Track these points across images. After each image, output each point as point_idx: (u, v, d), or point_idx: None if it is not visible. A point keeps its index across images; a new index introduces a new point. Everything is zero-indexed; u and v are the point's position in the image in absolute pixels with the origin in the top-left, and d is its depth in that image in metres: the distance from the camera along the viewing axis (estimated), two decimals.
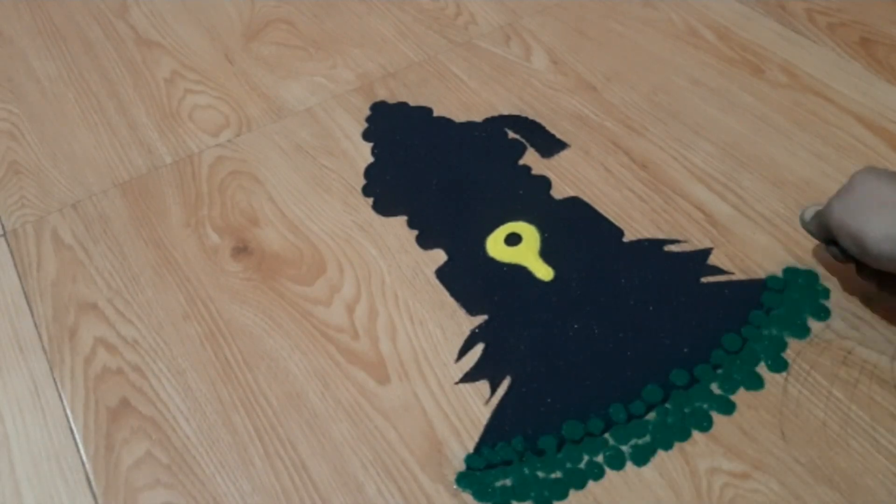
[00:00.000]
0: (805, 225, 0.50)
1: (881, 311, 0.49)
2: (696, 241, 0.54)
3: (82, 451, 0.46)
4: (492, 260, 0.54)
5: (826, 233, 0.47)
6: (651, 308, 0.50)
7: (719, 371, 0.47)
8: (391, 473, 0.44)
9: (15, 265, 0.56)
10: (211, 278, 0.54)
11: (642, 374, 0.47)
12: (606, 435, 0.45)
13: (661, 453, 0.44)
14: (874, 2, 0.73)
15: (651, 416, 0.45)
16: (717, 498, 0.42)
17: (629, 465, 0.43)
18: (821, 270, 0.51)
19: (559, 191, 0.58)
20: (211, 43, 0.74)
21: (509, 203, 0.58)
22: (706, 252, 0.53)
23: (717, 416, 0.45)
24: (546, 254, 0.54)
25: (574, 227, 0.56)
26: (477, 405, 0.46)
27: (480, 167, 0.61)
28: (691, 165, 0.59)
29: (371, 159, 0.62)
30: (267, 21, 0.77)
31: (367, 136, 0.64)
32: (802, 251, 0.53)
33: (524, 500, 0.42)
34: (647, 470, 0.43)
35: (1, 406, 0.48)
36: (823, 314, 0.49)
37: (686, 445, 0.44)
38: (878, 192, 0.43)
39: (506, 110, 0.65)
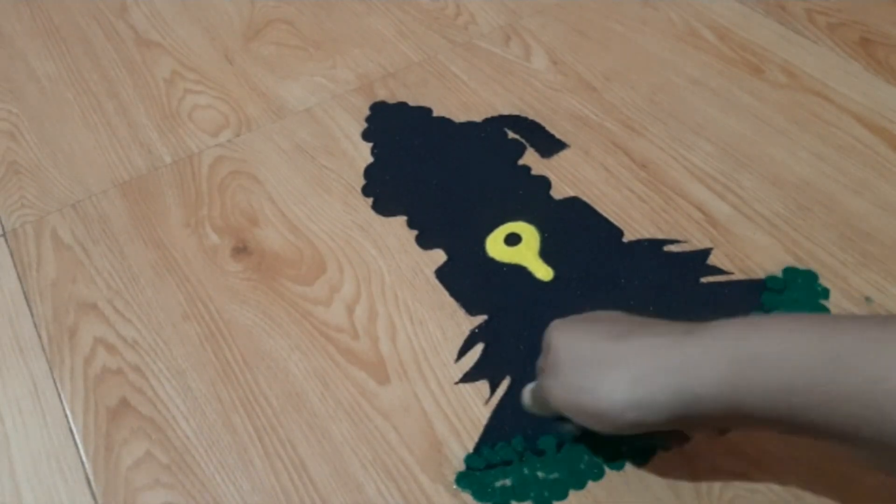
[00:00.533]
0: (529, 409, 0.44)
1: (880, 312, 0.49)
2: (696, 241, 0.54)
3: (82, 452, 0.46)
4: (491, 260, 0.54)
5: (554, 411, 0.40)
6: (651, 308, 0.50)
7: None
8: (391, 473, 0.44)
9: (14, 265, 0.56)
10: (211, 278, 0.54)
11: None
12: None
13: (661, 453, 0.43)
14: (874, 2, 0.73)
15: None
16: (717, 498, 0.42)
17: (629, 465, 0.43)
18: (820, 271, 0.52)
19: (559, 191, 0.58)
20: (211, 43, 0.74)
21: (509, 203, 0.58)
22: (706, 252, 0.53)
23: None
24: (546, 254, 0.54)
25: (574, 227, 0.56)
26: (477, 405, 0.46)
27: (480, 167, 0.61)
28: (691, 165, 0.59)
29: (371, 159, 0.62)
30: (267, 21, 0.77)
31: (366, 136, 0.64)
32: (802, 251, 0.53)
33: (524, 500, 0.42)
34: (647, 470, 0.43)
35: (1, 406, 0.48)
36: None
37: (686, 445, 0.44)
38: (585, 354, 0.37)
39: (506, 110, 0.65)
